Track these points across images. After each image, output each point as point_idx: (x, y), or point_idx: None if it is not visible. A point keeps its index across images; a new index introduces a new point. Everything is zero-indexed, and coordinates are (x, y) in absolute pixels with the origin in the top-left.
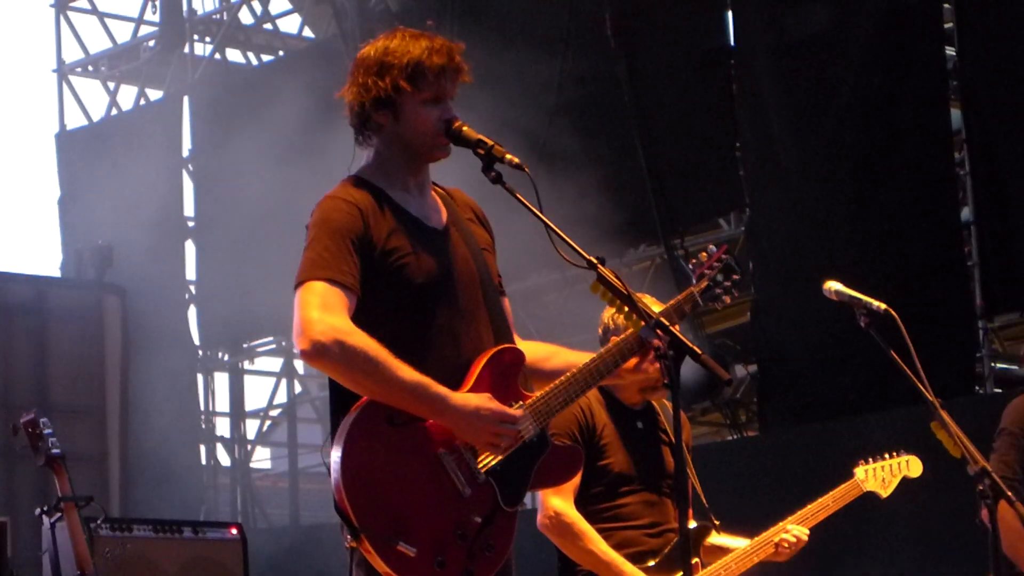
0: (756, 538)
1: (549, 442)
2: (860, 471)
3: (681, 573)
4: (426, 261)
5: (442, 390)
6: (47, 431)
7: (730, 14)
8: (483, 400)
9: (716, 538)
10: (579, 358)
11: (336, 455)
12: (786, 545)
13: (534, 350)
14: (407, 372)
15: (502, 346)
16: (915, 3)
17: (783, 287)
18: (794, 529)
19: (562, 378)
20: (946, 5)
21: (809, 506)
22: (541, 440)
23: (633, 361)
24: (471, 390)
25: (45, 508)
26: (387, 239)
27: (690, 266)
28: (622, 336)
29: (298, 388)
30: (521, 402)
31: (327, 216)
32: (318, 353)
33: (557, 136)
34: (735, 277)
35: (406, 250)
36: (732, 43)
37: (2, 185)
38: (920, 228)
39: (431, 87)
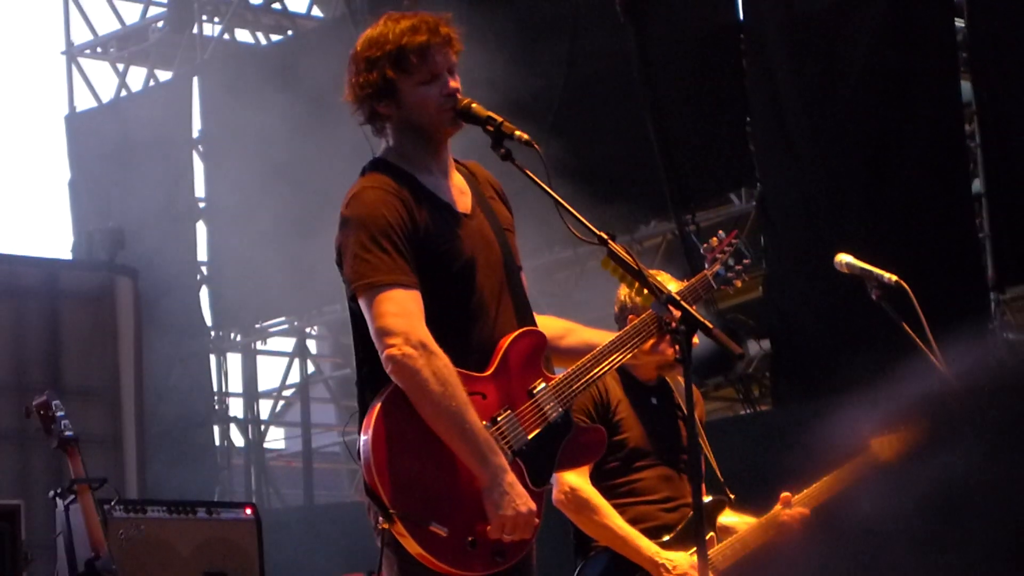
0: (760, 519)
1: (573, 424)
2: (875, 443)
3: (695, 548)
4: (459, 247)
5: (502, 461)
6: (60, 413)
7: None
8: (526, 501)
9: (725, 517)
10: (594, 335)
11: (366, 437)
12: (788, 522)
13: (551, 326)
14: (476, 420)
15: (525, 328)
16: None
17: (795, 262)
18: (795, 508)
19: (584, 359)
20: None
21: (825, 479)
22: (565, 422)
23: (651, 342)
24: (496, 371)
25: (59, 490)
26: (426, 228)
27: (702, 250)
28: (640, 316)
29: (311, 368)
30: (544, 384)
31: (375, 212)
32: (402, 368)
33: (568, 112)
34: (746, 261)
35: (443, 238)
36: (741, 18)
37: (12, 168)
38: (931, 200)
39: (420, 68)
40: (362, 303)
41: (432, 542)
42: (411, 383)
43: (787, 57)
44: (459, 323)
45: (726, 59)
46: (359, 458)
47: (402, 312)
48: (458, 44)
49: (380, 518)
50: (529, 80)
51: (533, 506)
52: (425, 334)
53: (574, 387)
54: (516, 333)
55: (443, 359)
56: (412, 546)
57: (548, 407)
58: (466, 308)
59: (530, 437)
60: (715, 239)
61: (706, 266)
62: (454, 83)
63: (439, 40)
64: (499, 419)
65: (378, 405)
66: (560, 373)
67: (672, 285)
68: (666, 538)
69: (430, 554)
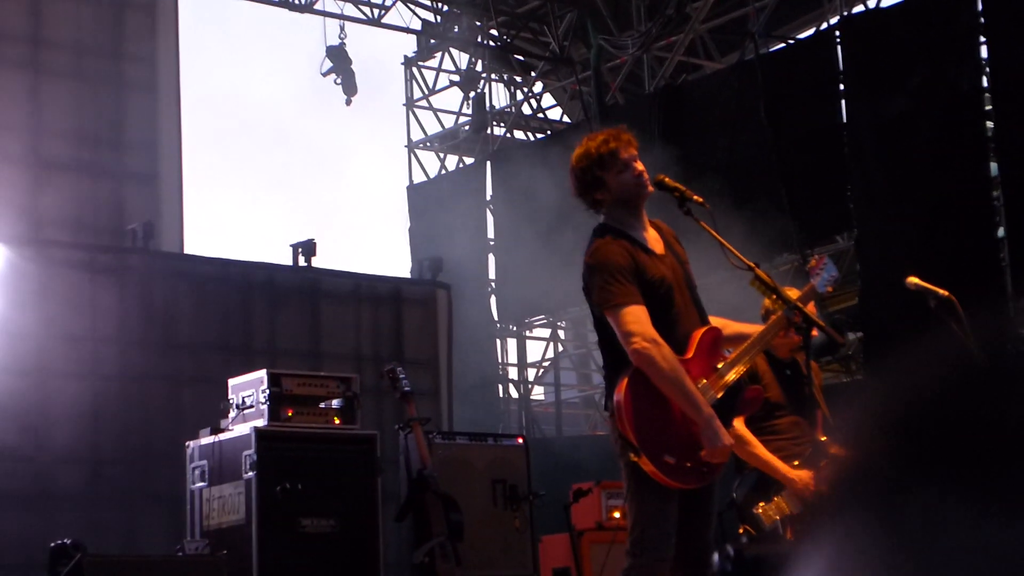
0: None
1: (743, 386)
2: None
3: (813, 470)
4: (661, 277)
5: (711, 411)
6: (402, 376)
7: (843, 101)
8: (727, 436)
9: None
10: (744, 327)
11: (619, 397)
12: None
13: (715, 322)
14: (693, 386)
15: (709, 326)
16: (965, 91)
17: (880, 280)
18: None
19: (744, 344)
20: (987, 95)
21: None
22: (738, 385)
23: (783, 333)
24: (694, 355)
25: (400, 425)
26: (642, 266)
27: (806, 269)
28: (776, 316)
29: (560, 348)
30: (723, 361)
31: (610, 260)
32: (644, 357)
33: (729, 181)
34: (834, 275)
35: (651, 272)
36: (844, 120)
37: (372, 223)
38: (972, 241)
39: (613, 164)
40: (610, 318)
41: (665, 467)
42: (649, 365)
43: (874, 145)
44: (668, 323)
45: (834, 147)
46: (607, 411)
47: (637, 321)
48: (635, 141)
49: (629, 452)
50: (706, 160)
51: (732, 440)
52: (654, 332)
53: (740, 361)
54: (704, 329)
55: (667, 348)
56: (651, 470)
57: (728, 376)
58: (670, 313)
59: (718, 397)
60: (813, 260)
61: (811, 279)
62: (638, 166)
63: (622, 143)
64: (699, 386)
65: (626, 379)
66: (728, 353)
67: (795, 295)
68: (795, 463)
69: (664, 475)
